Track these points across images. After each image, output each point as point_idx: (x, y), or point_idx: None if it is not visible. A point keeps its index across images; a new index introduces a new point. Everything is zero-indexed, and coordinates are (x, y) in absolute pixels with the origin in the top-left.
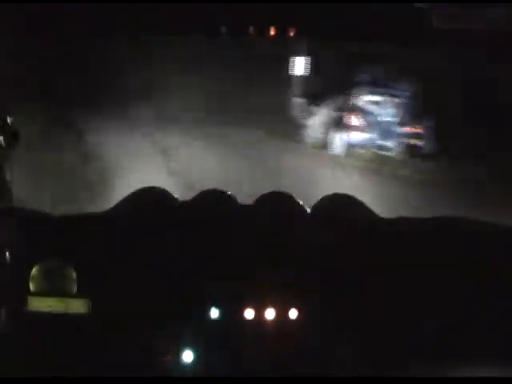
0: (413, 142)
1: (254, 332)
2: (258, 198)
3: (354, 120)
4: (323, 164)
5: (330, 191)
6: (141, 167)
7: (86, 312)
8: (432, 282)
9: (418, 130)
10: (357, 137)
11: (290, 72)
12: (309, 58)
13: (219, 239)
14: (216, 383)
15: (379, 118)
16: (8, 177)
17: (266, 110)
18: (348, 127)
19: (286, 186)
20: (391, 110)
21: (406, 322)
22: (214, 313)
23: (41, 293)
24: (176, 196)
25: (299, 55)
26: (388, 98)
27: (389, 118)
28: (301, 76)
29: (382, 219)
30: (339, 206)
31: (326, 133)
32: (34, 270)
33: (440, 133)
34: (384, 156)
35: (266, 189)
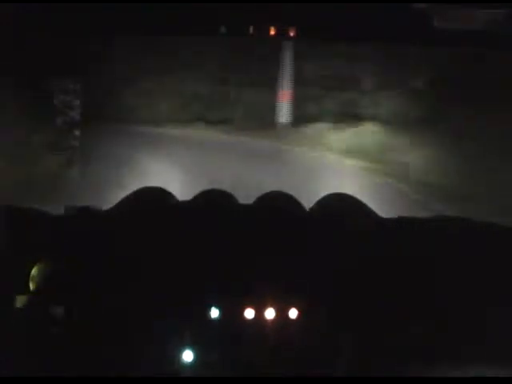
0: None
1: (253, 332)
2: (257, 197)
3: None
4: None
5: None
6: None
7: (86, 312)
8: (432, 282)
9: None
10: None
11: None
12: None
13: (219, 239)
14: (216, 383)
15: None
16: None
17: None
18: None
19: None
20: None
21: (406, 321)
22: (214, 313)
23: (40, 293)
24: (176, 195)
25: None
26: None
27: None
28: None
29: (382, 219)
30: (339, 206)
31: None
32: (33, 270)
33: None
34: None
35: None
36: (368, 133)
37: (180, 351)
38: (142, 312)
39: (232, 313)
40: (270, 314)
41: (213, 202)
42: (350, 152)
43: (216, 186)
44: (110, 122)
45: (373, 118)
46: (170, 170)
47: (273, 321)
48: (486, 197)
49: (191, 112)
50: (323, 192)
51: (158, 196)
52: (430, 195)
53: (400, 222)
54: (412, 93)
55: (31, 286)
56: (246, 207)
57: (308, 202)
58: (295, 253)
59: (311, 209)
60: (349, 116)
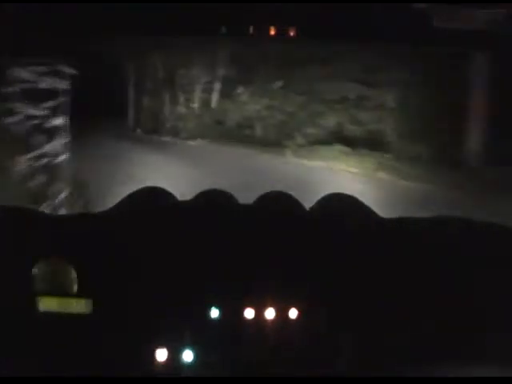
0: None
1: (254, 332)
2: (257, 197)
3: None
4: None
5: None
6: None
7: (87, 312)
8: (432, 282)
9: None
10: None
11: None
12: None
13: (219, 239)
14: (216, 383)
15: None
16: None
17: None
18: None
19: None
20: None
21: (406, 321)
22: (214, 313)
23: (40, 293)
24: (176, 196)
25: None
26: None
27: None
28: None
29: (382, 219)
30: (339, 206)
31: None
32: (33, 270)
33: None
34: None
35: None
36: None
37: (180, 351)
38: (142, 312)
39: (232, 313)
40: (269, 314)
41: (213, 202)
42: None
43: None
44: None
45: None
46: None
47: (273, 321)
48: None
49: (322, 128)
50: None
51: (158, 196)
52: None
53: (400, 222)
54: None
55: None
56: (246, 207)
57: None
58: (295, 253)
59: (311, 209)
60: None
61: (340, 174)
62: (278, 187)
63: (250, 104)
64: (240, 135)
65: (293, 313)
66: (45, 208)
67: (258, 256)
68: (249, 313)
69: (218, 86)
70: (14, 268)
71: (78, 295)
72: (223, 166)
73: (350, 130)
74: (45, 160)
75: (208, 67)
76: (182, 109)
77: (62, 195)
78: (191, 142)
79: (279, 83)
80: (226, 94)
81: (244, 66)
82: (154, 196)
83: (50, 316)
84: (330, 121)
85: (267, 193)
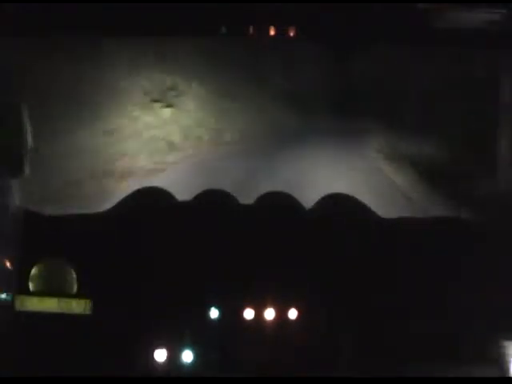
0: None
1: (253, 332)
2: (257, 197)
3: None
4: None
5: None
6: None
7: (86, 312)
8: (432, 282)
9: None
10: None
11: None
12: None
13: (219, 239)
14: (216, 383)
15: None
16: None
17: None
18: None
19: None
20: None
21: (405, 321)
22: (214, 313)
23: (40, 293)
24: (176, 196)
25: None
26: None
27: None
28: None
29: (382, 219)
30: (339, 206)
31: None
32: (33, 270)
33: None
34: None
35: None
36: None
37: (180, 351)
38: (142, 312)
39: (232, 313)
40: (269, 314)
41: (213, 202)
42: None
43: None
44: None
45: None
46: None
47: (273, 321)
48: None
49: None
50: None
51: (158, 196)
52: None
53: (400, 222)
54: None
55: (31, 287)
56: (246, 207)
57: None
58: (295, 253)
59: (311, 209)
60: None
61: None
62: None
63: None
64: None
65: (293, 313)
66: None
67: (258, 256)
68: (249, 313)
69: None
70: (14, 268)
71: (78, 295)
72: None
73: None
74: None
75: None
76: None
77: None
78: None
79: None
80: None
81: None
82: (154, 196)
83: (50, 316)
84: None
85: (267, 193)
